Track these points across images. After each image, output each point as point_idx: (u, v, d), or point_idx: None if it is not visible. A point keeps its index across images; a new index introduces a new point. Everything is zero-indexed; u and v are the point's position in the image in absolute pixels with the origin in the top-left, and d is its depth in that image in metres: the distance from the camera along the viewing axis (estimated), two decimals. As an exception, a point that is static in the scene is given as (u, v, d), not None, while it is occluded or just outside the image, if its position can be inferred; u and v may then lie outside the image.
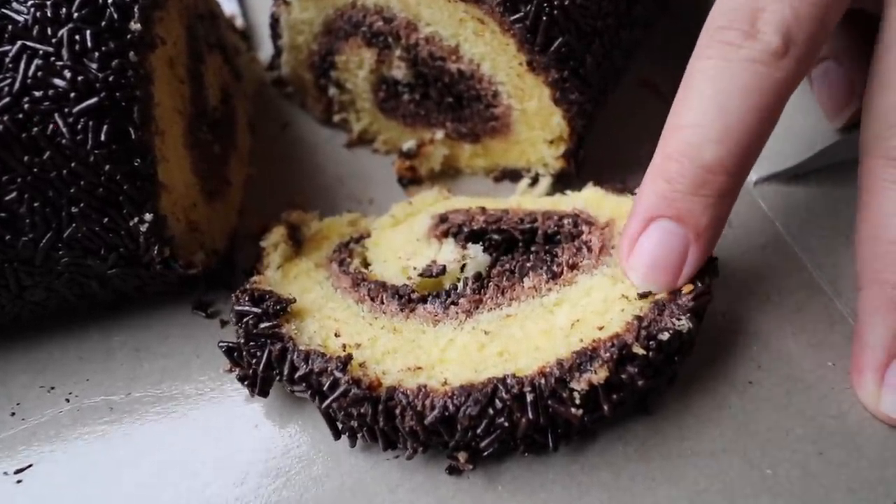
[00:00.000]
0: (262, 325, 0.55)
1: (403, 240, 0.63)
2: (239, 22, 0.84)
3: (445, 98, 0.70)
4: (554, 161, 0.69)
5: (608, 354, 0.50)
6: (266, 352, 0.54)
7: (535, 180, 0.72)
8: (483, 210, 0.63)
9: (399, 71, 0.70)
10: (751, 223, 0.68)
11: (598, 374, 0.49)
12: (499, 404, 0.49)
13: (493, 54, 0.64)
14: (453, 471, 0.53)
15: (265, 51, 0.82)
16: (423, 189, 0.72)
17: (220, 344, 0.56)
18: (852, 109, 0.65)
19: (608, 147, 0.71)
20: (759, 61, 0.51)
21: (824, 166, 0.70)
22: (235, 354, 0.56)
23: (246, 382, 0.56)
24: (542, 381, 0.49)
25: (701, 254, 0.53)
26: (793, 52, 0.51)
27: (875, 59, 0.54)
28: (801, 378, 0.57)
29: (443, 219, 0.63)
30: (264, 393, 0.55)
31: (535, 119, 0.67)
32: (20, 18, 0.52)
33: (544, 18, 0.60)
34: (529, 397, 0.49)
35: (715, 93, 0.51)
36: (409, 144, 0.74)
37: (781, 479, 0.52)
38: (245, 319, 0.55)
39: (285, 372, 0.53)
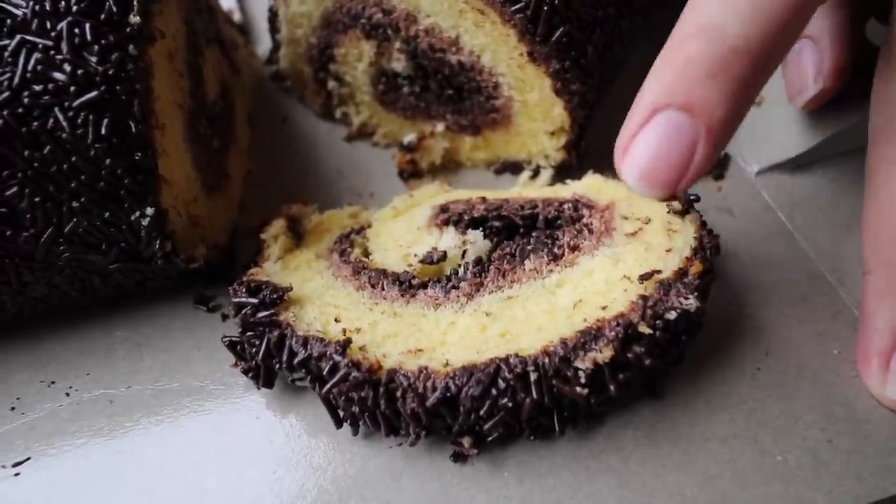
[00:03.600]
0: (260, 315, 0.54)
1: (404, 229, 0.63)
2: (237, 16, 0.84)
3: (446, 90, 0.70)
4: (555, 153, 0.69)
5: (613, 333, 0.50)
6: (265, 340, 0.53)
7: (536, 172, 0.71)
8: (483, 199, 0.63)
9: (399, 63, 0.70)
10: (753, 213, 0.68)
11: (604, 354, 0.49)
12: (502, 384, 0.49)
13: (493, 45, 0.64)
14: (458, 457, 0.53)
15: (263, 45, 0.82)
16: (423, 182, 0.72)
17: (223, 338, 0.56)
18: (814, 91, 0.63)
19: (609, 138, 0.70)
20: None
21: (826, 156, 0.70)
22: (238, 348, 0.56)
23: (250, 375, 0.55)
24: (546, 360, 0.49)
25: (710, 154, 0.46)
26: None
27: (887, 45, 0.54)
28: (808, 365, 0.57)
29: (444, 208, 0.63)
30: (269, 384, 0.55)
31: (536, 110, 0.67)
32: (19, 12, 0.52)
33: (545, 8, 0.60)
34: (533, 377, 0.49)
35: None
36: (409, 137, 0.73)
37: (792, 466, 0.52)
38: (243, 310, 0.55)
39: (284, 358, 0.53)
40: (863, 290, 0.55)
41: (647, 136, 0.46)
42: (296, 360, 0.52)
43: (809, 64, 0.63)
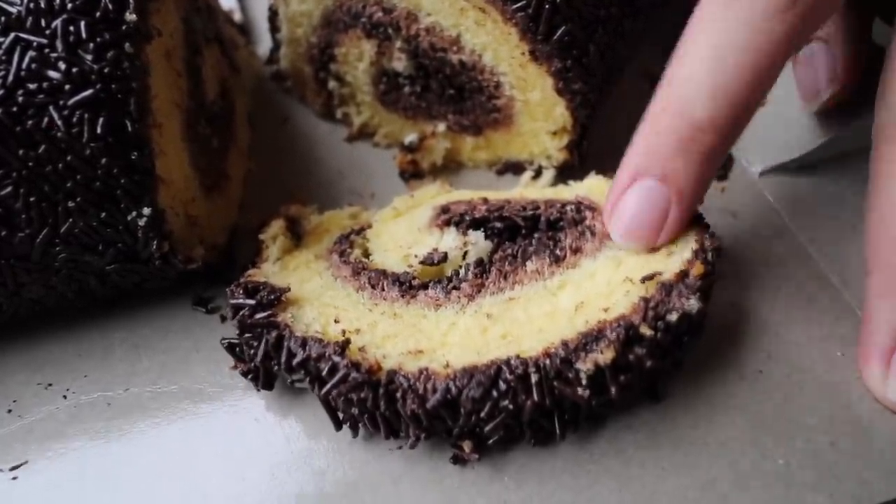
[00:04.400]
0: (258, 316, 0.54)
1: (405, 230, 0.63)
2: (237, 16, 0.84)
3: (447, 90, 0.70)
4: (557, 153, 0.69)
5: (614, 335, 0.49)
6: (263, 341, 0.53)
7: (538, 173, 0.71)
8: (485, 200, 0.63)
9: (399, 63, 0.69)
10: (757, 215, 0.67)
11: (605, 355, 0.49)
12: (503, 386, 0.48)
13: (494, 44, 0.64)
14: (458, 461, 0.52)
15: (264, 45, 0.81)
16: (424, 183, 0.72)
17: (222, 340, 0.56)
18: (828, 94, 0.64)
19: (611, 138, 0.70)
20: (762, 14, 0.49)
21: (830, 157, 0.69)
22: (237, 350, 0.56)
23: (250, 377, 0.55)
24: (547, 361, 0.49)
25: (682, 215, 0.53)
26: (799, 6, 0.49)
27: (891, 46, 0.53)
28: (811, 368, 0.57)
29: (444, 209, 0.63)
30: (269, 386, 0.55)
31: (538, 110, 0.67)
32: (13, 10, 0.51)
33: (547, 7, 0.59)
34: (534, 378, 0.48)
35: (711, 48, 0.50)
36: (410, 138, 0.73)
37: (794, 469, 0.51)
38: (241, 312, 0.55)
39: (282, 360, 0.52)
40: (865, 290, 0.55)
41: (628, 200, 0.54)
42: (294, 362, 0.52)
43: (822, 67, 0.64)
